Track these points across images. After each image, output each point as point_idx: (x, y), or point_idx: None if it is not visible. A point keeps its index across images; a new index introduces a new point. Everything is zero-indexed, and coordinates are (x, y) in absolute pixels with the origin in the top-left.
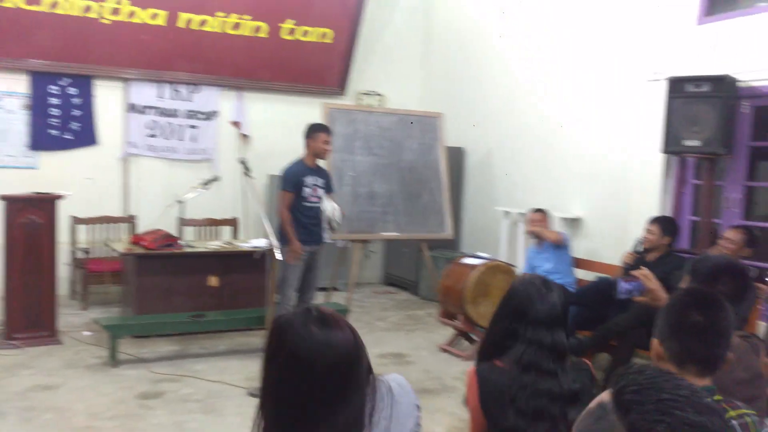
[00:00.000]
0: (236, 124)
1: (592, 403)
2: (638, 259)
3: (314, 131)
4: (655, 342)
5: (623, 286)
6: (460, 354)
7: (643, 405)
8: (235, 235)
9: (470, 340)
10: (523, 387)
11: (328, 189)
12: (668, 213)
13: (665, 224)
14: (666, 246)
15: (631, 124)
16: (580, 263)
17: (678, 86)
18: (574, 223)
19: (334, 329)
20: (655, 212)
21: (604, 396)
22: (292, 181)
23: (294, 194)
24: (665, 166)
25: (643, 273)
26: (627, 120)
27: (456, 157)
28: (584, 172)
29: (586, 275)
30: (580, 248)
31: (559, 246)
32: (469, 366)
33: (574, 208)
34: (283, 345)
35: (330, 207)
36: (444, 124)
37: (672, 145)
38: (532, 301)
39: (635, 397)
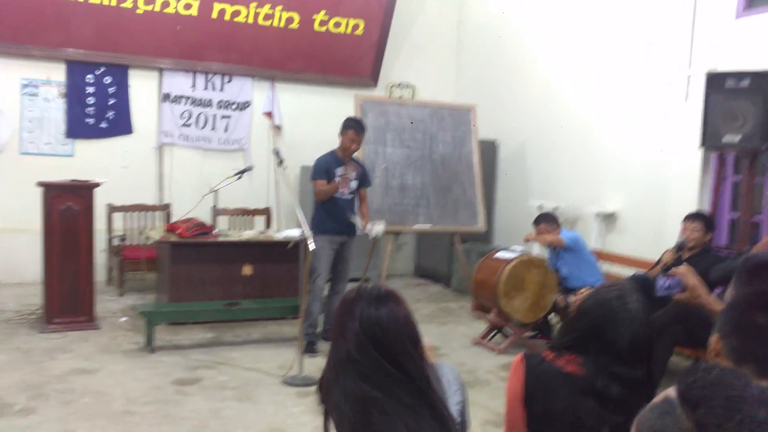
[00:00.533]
0: (268, 114)
1: (657, 398)
2: (677, 261)
3: (345, 127)
4: (714, 338)
5: (662, 283)
6: (494, 348)
7: (711, 401)
8: (268, 224)
9: (504, 335)
10: (589, 413)
11: (364, 183)
12: (707, 209)
13: (708, 221)
14: (706, 243)
15: (669, 119)
16: (614, 259)
17: (717, 81)
18: (609, 218)
19: (393, 304)
20: (693, 208)
21: (670, 391)
22: (321, 169)
23: (323, 183)
24: (704, 162)
25: (683, 270)
26: (665, 115)
27: (489, 149)
28: (620, 166)
29: (621, 271)
30: (615, 244)
31: (572, 248)
32: (507, 358)
33: (609, 204)
34: (352, 317)
35: (375, 230)
36: (477, 117)
37: (711, 141)
38: (614, 327)
39: (704, 392)
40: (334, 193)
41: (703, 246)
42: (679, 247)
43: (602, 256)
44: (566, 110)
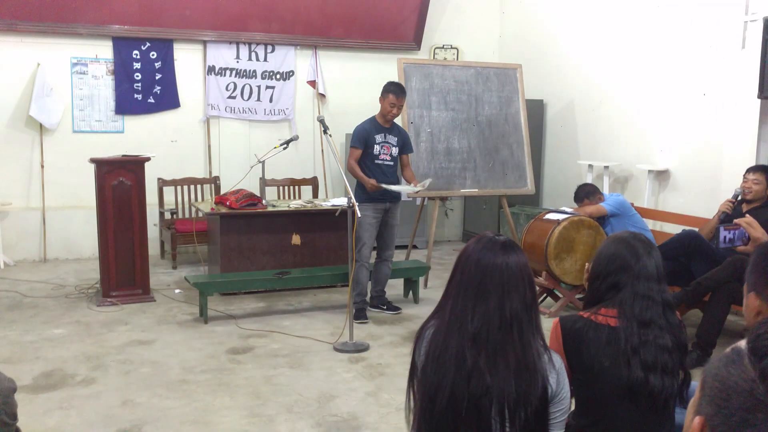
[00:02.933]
0: (312, 83)
1: (728, 349)
2: (736, 210)
3: (385, 91)
4: (751, 296)
5: (724, 234)
6: (545, 311)
7: None
8: (315, 194)
9: (554, 297)
10: (644, 342)
11: (406, 149)
12: (766, 162)
13: None
14: (767, 196)
15: (723, 69)
16: (668, 217)
17: None
18: (661, 175)
19: (513, 254)
20: (750, 163)
21: (740, 342)
22: (360, 137)
23: (362, 151)
24: (761, 113)
25: (747, 221)
26: (719, 64)
27: (536, 109)
28: (672, 121)
29: (675, 229)
30: (667, 202)
31: (617, 214)
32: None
33: (660, 161)
34: (469, 259)
35: (423, 183)
36: (523, 76)
37: None
38: (640, 257)
39: None
40: (356, 177)
41: (764, 199)
42: (736, 198)
43: (655, 214)
44: (614, 66)
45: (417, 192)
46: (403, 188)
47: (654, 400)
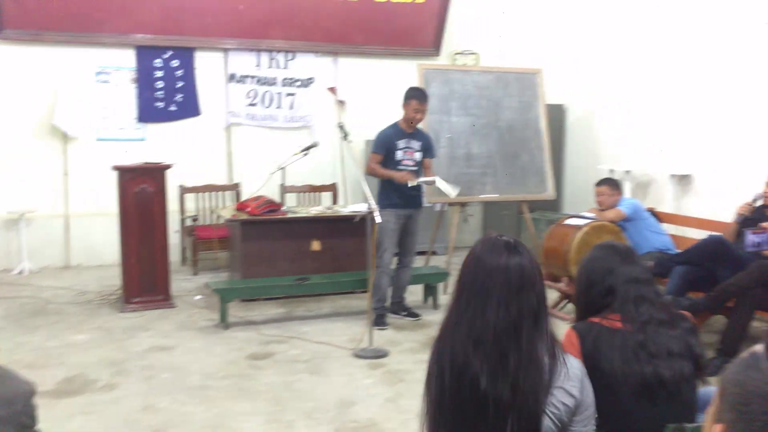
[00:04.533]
0: (332, 90)
1: (745, 353)
2: (757, 213)
3: (407, 97)
4: None
5: (752, 239)
6: (565, 317)
7: None
8: (334, 200)
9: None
10: (649, 338)
11: (428, 154)
12: None
13: None
14: None
15: (746, 72)
16: (690, 222)
17: None
18: (683, 180)
19: (517, 255)
20: None
21: (757, 347)
22: (381, 143)
23: (383, 156)
24: None
25: None
26: (742, 67)
27: (556, 114)
28: (693, 125)
29: (698, 234)
30: (690, 207)
31: (632, 218)
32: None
33: (682, 165)
34: (478, 261)
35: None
36: (543, 81)
37: None
38: (624, 262)
39: None
40: (382, 177)
41: None
42: (755, 201)
43: (677, 219)
44: (635, 70)
45: (447, 191)
46: (439, 181)
47: (667, 388)
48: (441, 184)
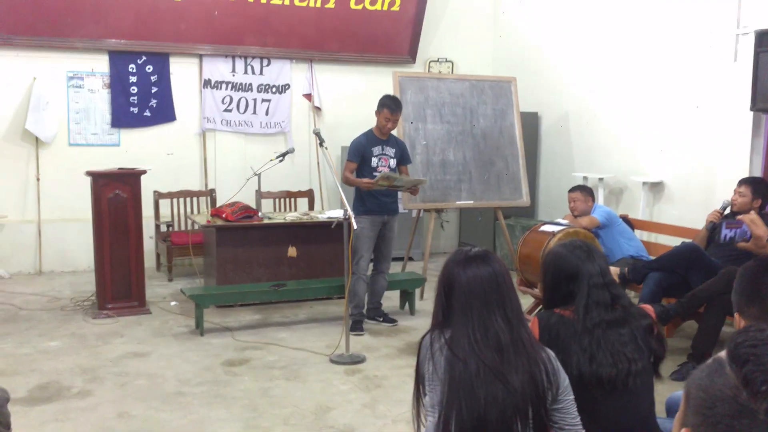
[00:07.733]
0: (308, 96)
1: (709, 360)
2: (725, 219)
3: (380, 105)
4: (737, 316)
5: (726, 232)
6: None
7: (759, 358)
8: (311, 206)
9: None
10: (598, 343)
11: (403, 161)
12: (758, 175)
13: (756, 186)
14: (756, 209)
15: (716, 82)
16: (663, 229)
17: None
18: (655, 187)
19: (485, 264)
20: (744, 174)
21: (721, 353)
22: (356, 150)
23: (358, 164)
24: (754, 125)
25: (751, 218)
26: (712, 77)
27: (531, 122)
28: (665, 133)
29: (670, 241)
30: (662, 214)
31: (606, 225)
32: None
33: (655, 173)
34: (450, 275)
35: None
36: (517, 89)
37: (762, 102)
38: (583, 264)
39: (752, 350)
40: (356, 186)
41: (749, 212)
42: (724, 209)
43: (650, 226)
44: (608, 79)
45: (419, 182)
46: (404, 177)
47: (605, 387)
48: (407, 178)
